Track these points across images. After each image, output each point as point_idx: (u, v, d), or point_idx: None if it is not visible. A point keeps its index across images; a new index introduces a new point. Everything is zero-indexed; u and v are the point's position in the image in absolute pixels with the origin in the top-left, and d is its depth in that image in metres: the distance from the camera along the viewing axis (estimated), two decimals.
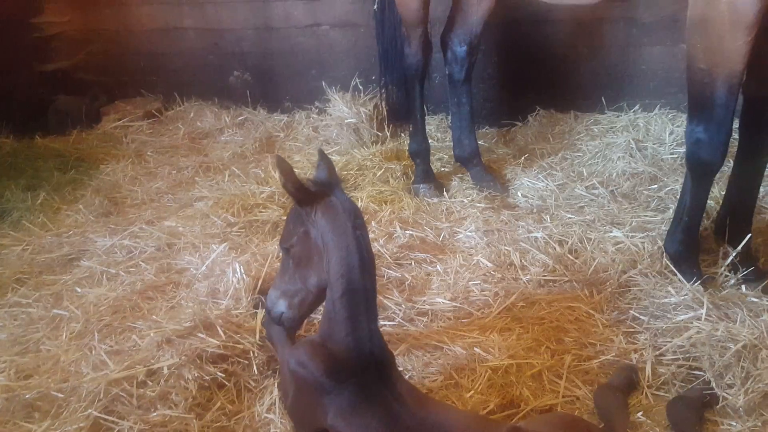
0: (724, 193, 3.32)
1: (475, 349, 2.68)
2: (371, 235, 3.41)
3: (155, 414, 2.33)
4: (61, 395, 2.44)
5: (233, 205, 3.90)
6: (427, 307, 3.00)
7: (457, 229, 3.62)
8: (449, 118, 4.75)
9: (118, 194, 4.30)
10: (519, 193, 4.07)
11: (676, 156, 4.33)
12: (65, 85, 5.83)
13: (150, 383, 2.44)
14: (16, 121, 5.26)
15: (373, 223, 3.59)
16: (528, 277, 3.16)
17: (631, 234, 3.41)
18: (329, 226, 2.08)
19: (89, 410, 2.32)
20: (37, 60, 5.75)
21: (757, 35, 2.56)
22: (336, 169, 2.24)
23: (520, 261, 3.27)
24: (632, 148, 4.43)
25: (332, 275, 2.07)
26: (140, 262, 3.40)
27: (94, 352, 2.66)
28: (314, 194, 2.11)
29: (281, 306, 2.27)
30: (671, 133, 4.59)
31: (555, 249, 3.36)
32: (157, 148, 5.07)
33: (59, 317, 2.99)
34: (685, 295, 2.85)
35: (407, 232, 3.56)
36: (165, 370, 2.46)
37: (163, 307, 2.98)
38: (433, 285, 3.16)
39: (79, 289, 3.21)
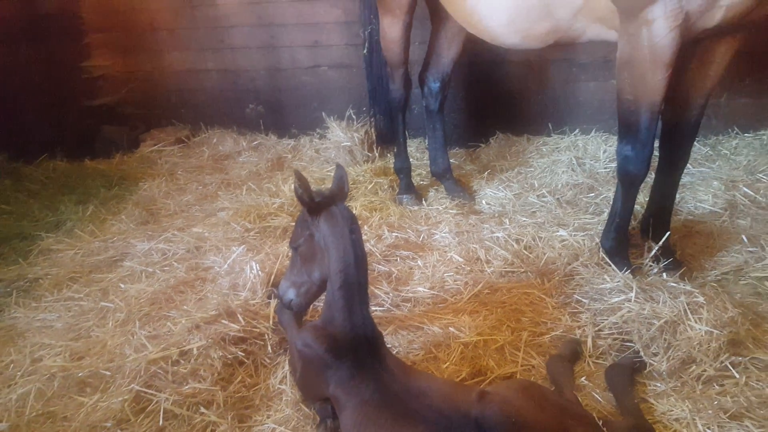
0: (647, 199, 3.33)
1: (450, 328, 2.67)
2: (364, 237, 3.41)
3: (187, 387, 2.31)
4: (108, 373, 2.42)
5: (250, 213, 3.86)
6: (410, 295, 2.99)
7: (434, 231, 3.61)
8: (426, 141, 4.77)
9: (154, 206, 4.26)
10: (483, 201, 4.07)
11: (608, 170, 4.34)
12: (109, 117, 5.78)
13: (182, 362, 2.42)
14: (68, 147, 5.22)
15: (365, 227, 3.58)
16: (492, 269, 3.15)
17: (573, 233, 3.40)
18: (330, 231, 2.09)
19: (132, 385, 2.29)
20: (86, 96, 5.71)
21: (672, 73, 2.59)
22: (346, 181, 2.26)
23: (485, 256, 3.26)
24: (573, 164, 4.43)
25: (332, 271, 2.08)
26: (173, 262, 3.37)
27: (135, 337, 2.63)
28: (320, 204, 2.12)
29: (291, 294, 2.28)
30: (605, 152, 4.59)
31: (513, 246, 3.35)
32: (186, 168, 5.04)
33: (106, 308, 2.96)
34: (617, 282, 2.84)
35: (393, 234, 3.54)
36: (194, 351, 2.44)
37: (193, 299, 2.96)
38: (415, 277, 3.15)
39: (122, 285, 3.18)
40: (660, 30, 2.47)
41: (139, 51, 5.77)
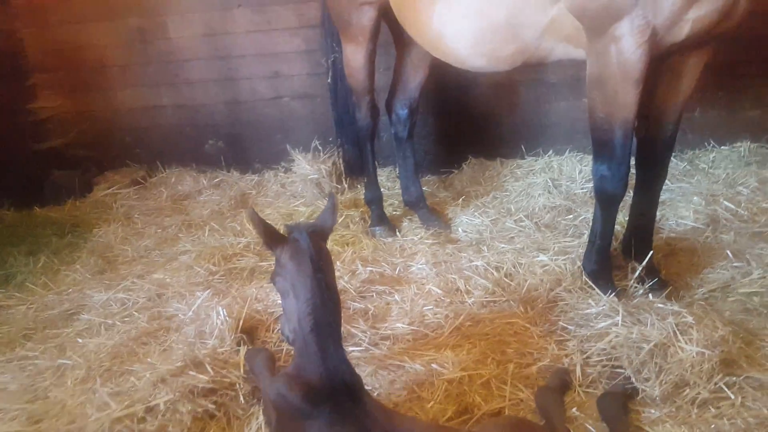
0: (627, 218, 3.42)
1: (432, 365, 2.68)
2: (337, 273, 3.43)
3: None
4: None
5: (214, 255, 3.85)
6: (389, 332, 2.99)
7: (410, 263, 3.63)
8: (397, 169, 4.85)
9: (110, 253, 4.20)
10: (460, 229, 4.12)
11: (585, 190, 4.45)
12: (59, 161, 5.71)
13: (149, 419, 2.37)
14: (15, 195, 5.12)
15: (338, 263, 3.57)
16: (472, 299, 3.18)
17: (554, 257, 3.46)
18: (294, 270, 2.08)
19: None
20: (33, 140, 5.65)
21: (643, 89, 2.69)
22: (335, 212, 2.28)
23: (465, 286, 3.28)
24: (549, 185, 4.54)
25: (300, 314, 2.05)
26: (134, 312, 3.32)
27: (97, 394, 2.56)
28: (280, 238, 2.13)
29: (285, 329, 2.21)
30: (580, 172, 4.72)
31: (493, 274, 3.38)
32: (144, 211, 4.99)
33: (64, 366, 2.90)
34: (603, 306, 2.90)
35: (368, 268, 3.56)
36: (161, 406, 2.40)
37: (157, 350, 2.91)
38: (393, 312, 3.15)
39: (80, 340, 3.12)
40: (628, 46, 2.57)
41: (89, 89, 5.75)
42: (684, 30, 2.55)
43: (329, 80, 4.77)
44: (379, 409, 2.03)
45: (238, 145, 5.71)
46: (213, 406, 2.47)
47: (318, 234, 2.16)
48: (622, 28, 2.56)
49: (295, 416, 2.02)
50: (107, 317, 3.30)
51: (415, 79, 4.17)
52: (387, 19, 3.90)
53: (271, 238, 2.13)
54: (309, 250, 2.07)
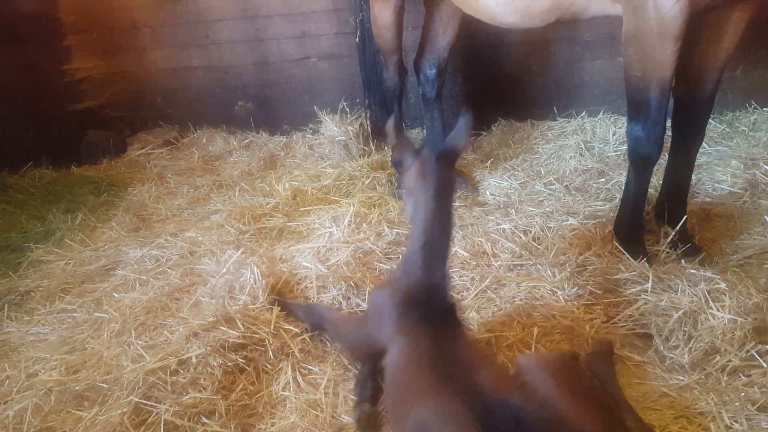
0: (661, 182, 3.33)
1: None
2: (363, 234, 3.46)
3: (187, 397, 2.33)
4: (106, 386, 2.45)
5: (244, 215, 3.89)
6: None
7: None
8: (424, 131, 4.80)
9: (144, 212, 4.28)
10: (487, 192, 4.07)
11: (619, 153, 4.34)
12: (94, 121, 5.82)
13: (181, 371, 2.44)
14: (53, 154, 5.25)
15: (364, 225, 3.59)
16: (499, 263, 3.16)
17: (584, 221, 3.41)
18: (418, 188, 2.20)
19: (130, 397, 2.31)
20: (69, 101, 5.74)
21: (682, 46, 2.58)
22: (465, 133, 2.31)
23: (492, 249, 3.26)
24: (582, 148, 4.44)
25: (416, 227, 2.20)
26: (167, 269, 3.39)
27: (131, 347, 2.66)
28: (413, 152, 2.27)
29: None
30: (614, 134, 4.60)
31: (521, 238, 3.34)
32: (176, 171, 5.06)
33: (100, 319, 2.98)
34: (633, 272, 2.86)
35: (394, 230, 3.55)
36: (193, 360, 2.47)
37: (189, 306, 2.97)
38: None
39: (116, 295, 3.20)
40: (667, 0, 2.47)
41: (121, 51, 5.80)
42: None
43: (357, 40, 4.69)
44: (462, 335, 2.14)
45: (267, 106, 5.71)
46: (243, 361, 2.53)
47: (447, 156, 2.24)
48: None
49: (388, 313, 2.17)
50: (142, 273, 3.37)
51: (444, 37, 4.07)
52: None
53: (405, 150, 2.27)
54: (435, 174, 2.17)
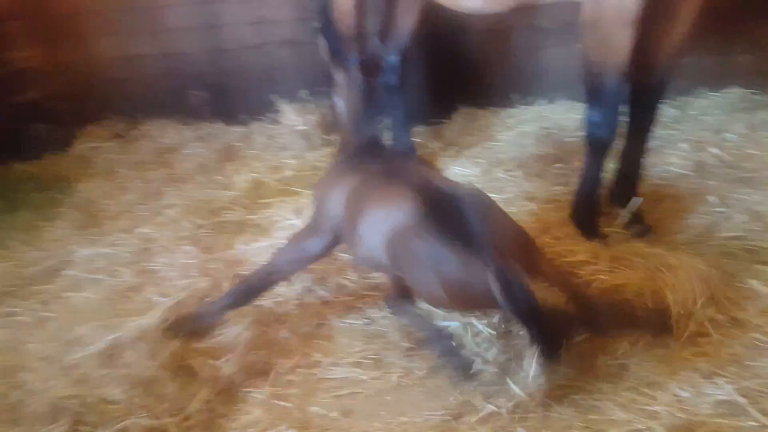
0: (616, 165, 3.41)
1: None
2: None
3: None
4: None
5: (200, 209, 3.84)
6: (377, 281, 3.00)
7: None
8: (387, 119, 4.78)
9: (93, 208, 4.14)
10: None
11: (575, 138, 4.41)
12: (36, 114, 5.55)
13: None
14: None
15: None
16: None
17: (543, 205, 3.48)
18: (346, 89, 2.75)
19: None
20: (7, 93, 5.48)
21: (637, 33, 2.67)
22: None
23: None
24: (540, 135, 4.51)
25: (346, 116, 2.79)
26: (119, 267, 3.30)
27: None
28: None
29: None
30: (571, 121, 4.71)
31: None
32: (126, 165, 4.88)
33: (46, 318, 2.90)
34: (588, 253, 2.90)
35: None
36: None
37: (143, 305, 2.90)
38: None
39: (65, 295, 3.11)
40: None
41: (65, 39, 5.56)
42: None
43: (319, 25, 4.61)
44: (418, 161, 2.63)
45: (223, 95, 5.58)
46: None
47: (369, 64, 2.75)
48: None
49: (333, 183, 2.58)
50: (92, 273, 3.28)
51: (405, 24, 4.07)
52: None
53: (337, 66, 2.73)
54: (358, 77, 2.71)
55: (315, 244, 2.57)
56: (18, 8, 5.46)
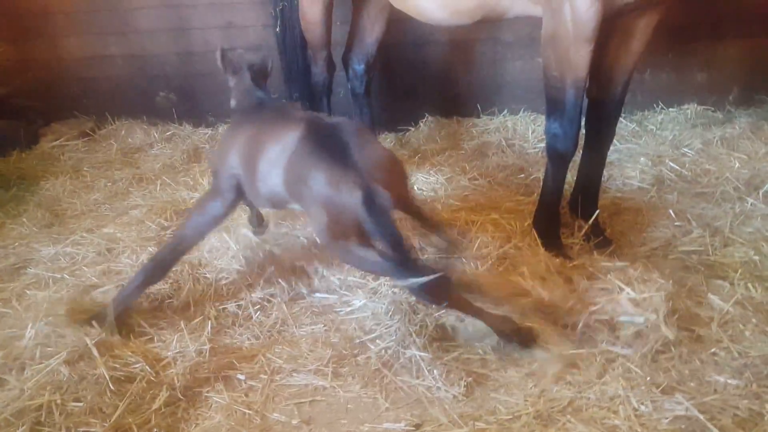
0: (575, 177, 3.48)
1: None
2: (286, 230, 3.42)
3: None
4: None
5: (166, 210, 3.76)
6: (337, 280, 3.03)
7: None
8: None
9: (58, 207, 4.05)
10: (415, 186, 4.08)
11: (537, 150, 4.51)
12: (2, 111, 5.43)
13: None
14: None
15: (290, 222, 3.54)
16: (425, 256, 3.20)
17: (505, 215, 3.50)
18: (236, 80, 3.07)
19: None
20: None
21: (595, 49, 2.73)
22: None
23: (419, 243, 3.31)
24: (503, 145, 4.58)
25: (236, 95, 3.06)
26: (83, 267, 3.24)
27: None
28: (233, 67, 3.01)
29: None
30: (533, 132, 4.77)
31: (446, 231, 3.42)
32: (93, 164, 4.80)
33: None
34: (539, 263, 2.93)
35: None
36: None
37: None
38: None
39: (28, 292, 3.04)
40: (582, 4, 2.61)
41: (33, 37, 5.44)
42: None
43: (277, 30, 4.60)
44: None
45: (191, 97, 5.53)
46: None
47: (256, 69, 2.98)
48: None
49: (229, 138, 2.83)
50: (55, 272, 3.21)
51: (372, 33, 4.09)
52: None
53: (228, 68, 2.97)
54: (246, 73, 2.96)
55: (216, 206, 2.71)
56: None
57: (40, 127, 5.47)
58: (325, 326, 2.75)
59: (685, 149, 4.37)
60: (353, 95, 4.30)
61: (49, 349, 2.48)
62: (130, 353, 2.45)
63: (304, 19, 3.95)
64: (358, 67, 4.19)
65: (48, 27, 5.40)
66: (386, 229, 2.18)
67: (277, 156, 2.45)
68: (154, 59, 5.45)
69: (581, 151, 3.33)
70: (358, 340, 2.62)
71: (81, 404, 2.22)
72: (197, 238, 2.77)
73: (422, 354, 2.47)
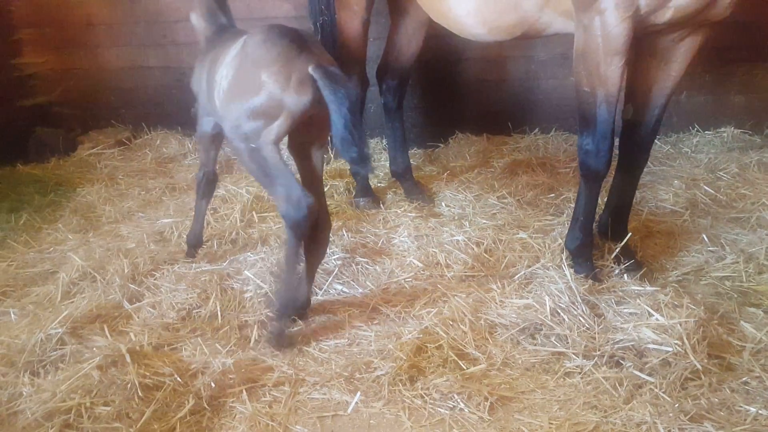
0: (605, 199, 3.45)
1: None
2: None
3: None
4: None
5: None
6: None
7: (392, 235, 3.63)
8: (384, 140, 4.82)
9: (93, 214, 4.14)
10: (443, 204, 4.12)
11: (569, 169, 4.47)
12: (43, 118, 5.62)
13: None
14: None
15: None
16: (452, 273, 3.21)
17: (534, 235, 3.49)
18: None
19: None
20: (18, 96, 5.53)
21: (629, 66, 2.76)
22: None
23: (445, 260, 3.31)
24: (534, 163, 4.56)
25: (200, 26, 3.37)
26: (115, 277, 3.25)
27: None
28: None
29: None
30: (564, 151, 4.75)
31: (473, 249, 3.40)
32: (128, 172, 4.90)
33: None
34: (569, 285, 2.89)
35: (352, 238, 3.56)
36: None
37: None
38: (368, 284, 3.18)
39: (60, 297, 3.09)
40: (612, 19, 2.64)
41: (75, 47, 5.64)
42: (667, 14, 2.63)
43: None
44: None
45: None
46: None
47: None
48: (606, 1, 2.63)
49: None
50: (89, 278, 3.25)
51: (408, 49, 4.13)
52: None
53: None
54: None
55: (204, 124, 3.24)
56: (34, 17, 5.54)
57: (78, 135, 5.64)
58: (348, 341, 2.76)
59: (721, 173, 4.31)
60: (386, 109, 4.32)
61: (84, 353, 2.54)
62: (160, 362, 2.49)
63: (341, 34, 3.99)
64: (392, 82, 4.22)
65: (90, 38, 5.59)
66: (341, 103, 2.31)
67: (229, 61, 2.65)
68: (190, 70, 5.53)
69: (613, 173, 3.30)
70: (381, 357, 2.62)
71: (109, 408, 2.26)
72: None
73: (446, 374, 2.46)
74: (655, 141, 3.53)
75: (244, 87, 2.51)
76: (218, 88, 2.70)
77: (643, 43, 2.90)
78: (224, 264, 3.37)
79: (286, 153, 2.77)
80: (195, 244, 3.46)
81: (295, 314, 2.79)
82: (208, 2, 3.17)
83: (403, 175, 4.34)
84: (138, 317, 2.90)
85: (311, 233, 2.62)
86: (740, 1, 2.69)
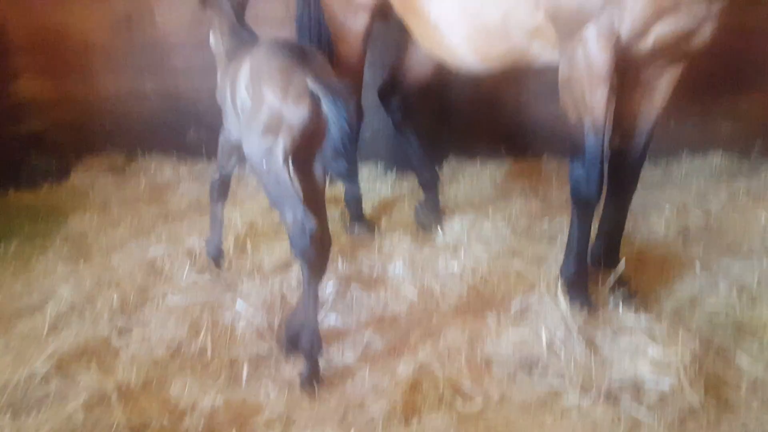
0: (597, 226, 3.38)
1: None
2: None
3: None
4: None
5: (190, 251, 3.74)
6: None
7: (388, 264, 3.55)
8: (376, 167, 4.74)
9: (84, 242, 4.05)
10: (438, 229, 4.04)
11: (562, 195, 4.42)
12: (37, 145, 5.52)
13: None
14: None
15: None
16: (447, 304, 3.14)
17: (528, 263, 3.43)
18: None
19: None
20: (11, 122, 5.44)
21: (614, 95, 2.78)
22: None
23: (440, 290, 3.25)
24: (527, 190, 4.51)
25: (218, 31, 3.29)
26: (104, 313, 3.15)
27: None
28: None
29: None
30: (557, 177, 4.70)
31: (469, 278, 3.34)
32: (121, 200, 4.80)
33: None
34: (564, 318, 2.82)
35: (347, 265, 3.52)
36: None
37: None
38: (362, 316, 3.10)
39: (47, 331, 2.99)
40: (594, 48, 2.66)
41: (71, 73, 5.56)
42: (648, 43, 2.65)
43: None
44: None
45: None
46: None
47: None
48: (589, 31, 2.64)
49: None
50: (78, 310, 3.16)
51: (419, 74, 4.11)
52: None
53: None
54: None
55: (228, 132, 3.26)
56: (28, 41, 5.47)
57: (72, 161, 5.54)
58: (341, 377, 2.66)
59: (711, 200, 4.28)
60: (395, 125, 4.30)
61: (69, 392, 2.44)
62: (146, 402, 2.39)
63: (338, 66, 3.93)
64: (396, 102, 4.22)
65: (86, 63, 5.53)
66: (340, 113, 2.29)
67: (244, 73, 2.68)
68: (186, 96, 5.51)
69: (604, 200, 3.26)
70: (375, 394, 2.53)
71: None
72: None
73: (442, 413, 2.37)
74: (645, 167, 3.50)
75: (253, 104, 2.52)
76: (240, 103, 2.73)
77: (627, 74, 2.92)
78: (216, 294, 3.27)
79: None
80: (217, 256, 3.40)
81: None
82: (229, 19, 3.14)
83: (431, 182, 4.27)
84: (126, 352, 2.80)
85: None
86: (725, 30, 2.70)
